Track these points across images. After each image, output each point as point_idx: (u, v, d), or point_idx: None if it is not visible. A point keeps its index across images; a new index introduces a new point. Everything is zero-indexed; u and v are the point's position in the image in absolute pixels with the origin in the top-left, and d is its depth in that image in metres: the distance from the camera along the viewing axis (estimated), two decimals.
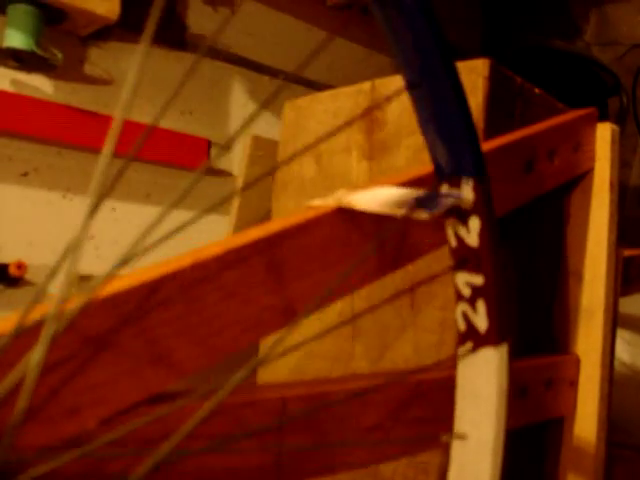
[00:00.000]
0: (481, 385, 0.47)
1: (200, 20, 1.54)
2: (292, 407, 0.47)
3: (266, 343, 0.82)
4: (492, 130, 0.70)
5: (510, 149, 0.65)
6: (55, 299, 0.32)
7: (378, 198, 0.46)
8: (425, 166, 0.55)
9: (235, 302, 0.42)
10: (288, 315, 0.45)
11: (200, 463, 0.43)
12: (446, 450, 0.68)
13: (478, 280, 0.45)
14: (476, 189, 0.44)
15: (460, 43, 1.95)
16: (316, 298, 0.46)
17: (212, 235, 1.52)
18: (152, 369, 0.39)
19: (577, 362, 0.80)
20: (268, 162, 1.51)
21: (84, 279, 1.30)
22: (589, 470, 0.79)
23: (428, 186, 0.52)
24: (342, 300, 0.52)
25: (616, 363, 0.95)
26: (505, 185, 0.64)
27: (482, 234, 0.45)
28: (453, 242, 0.47)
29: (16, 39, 1.12)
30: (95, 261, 1.34)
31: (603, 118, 0.83)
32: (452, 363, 0.60)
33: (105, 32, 1.34)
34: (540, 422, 0.77)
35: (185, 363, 0.40)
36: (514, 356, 0.73)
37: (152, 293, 0.39)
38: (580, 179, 0.80)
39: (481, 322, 0.46)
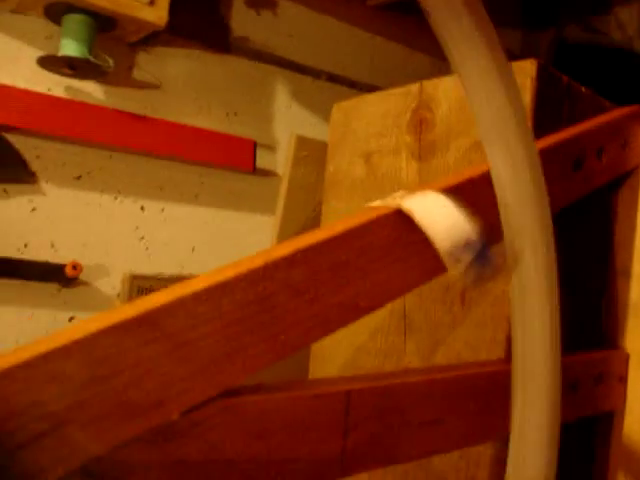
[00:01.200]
0: None
1: (243, 23, 1.57)
2: (356, 400, 0.49)
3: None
4: (540, 130, 0.71)
5: (559, 148, 0.66)
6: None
7: (436, 220, 0.49)
8: (477, 167, 0.57)
9: (303, 300, 0.45)
10: (352, 312, 0.47)
11: (270, 452, 0.45)
12: (498, 443, 0.69)
13: None
14: None
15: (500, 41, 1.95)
16: (379, 296, 0.48)
17: (259, 235, 1.55)
18: (228, 364, 0.42)
19: (626, 357, 0.80)
20: (313, 162, 1.53)
21: (135, 278, 1.34)
22: (638, 464, 0.80)
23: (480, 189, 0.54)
24: None
25: None
26: (555, 184, 0.66)
27: None
28: None
29: (71, 48, 1.16)
30: (146, 261, 1.38)
31: None
32: (506, 358, 0.62)
33: (153, 38, 1.38)
34: (590, 417, 0.78)
35: (257, 359, 0.43)
36: (564, 351, 0.75)
37: (226, 293, 0.41)
38: (628, 176, 0.81)
39: None
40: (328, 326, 0.46)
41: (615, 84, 1.86)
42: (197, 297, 0.40)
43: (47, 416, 0.35)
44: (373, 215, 0.49)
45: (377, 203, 0.51)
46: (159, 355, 0.39)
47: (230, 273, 0.42)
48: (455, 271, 0.51)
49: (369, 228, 0.48)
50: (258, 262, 0.43)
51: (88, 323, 0.37)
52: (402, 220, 0.50)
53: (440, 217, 0.50)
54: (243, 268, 0.42)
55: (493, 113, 0.47)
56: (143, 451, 0.39)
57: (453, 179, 0.56)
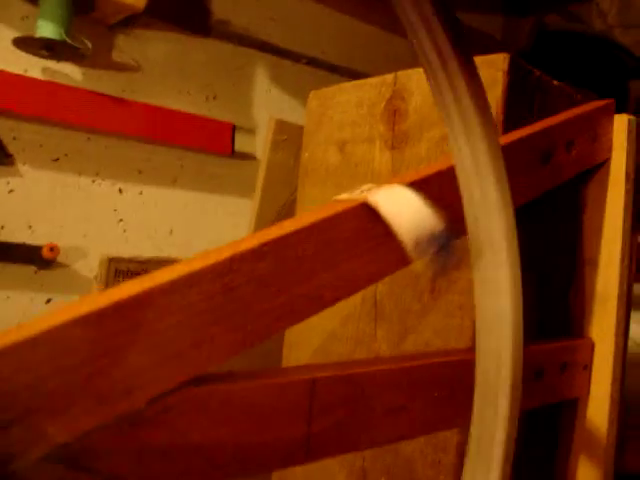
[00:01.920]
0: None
1: (224, 6, 1.56)
2: (321, 387, 0.50)
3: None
4: (511, 124, 0.72)
5: (527, 141, 0.68)
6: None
7: (401, 213, 0.50)
8: (445, 161, 0.58)
9: (269, 292, 0.46)
10: (317, 304, 0.48)
11: (236, 438, 0.47)
12: (464, 429, 0.71)
13: None
14: None
15: (481, 28, 1.96)
16: (344, 287, 0.49)
17: (237, 218, 1.56)
18: (195, 353, 0.43)
19: (591, 346, 0.82)
20: (291, 146, 1.54)
21: (113, 261, 1.34)
22: (600, 450, 0.82)
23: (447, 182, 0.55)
24: None
25: (632, 345, 0.98)
26: (522, 177, 0.67)
27: None
28: None
29: (48, 29, 1.16)
30: (123, 243, 1.39)
31: (624, 100, 0.85)
32: (472, 346, 0.63)
33: (132, 20, 1.38)
34: (554, 403, 0.80)
35: (225, 348, 0.44)
36: (530, 340, 0.77)
37: (194, 285, 0.42)
38: (597, 169, 0.82)
39: None
40: (293, 317, 0.47)
41: (594, 72, 1.88)
42: (164, 289, 0.41)
43: (15, 405, 0.36)
44: (339, 208, 0.50)
45: (344, 196, 0.53)
46: (127, 345, 0.40)
47: (197, 265, 0.43)
48: (419, 261, 0.53)
49: (335, 221, 0.49)
50: (225, 254, 0.44)
51: (57, 314, 0.38)
52: (368, 213, 0.51)
53: (405, 210, 0.51)
54: (210, 260, 0.43)
55: (455, 107, 0.48)
56: (110, 438, 0.40)
57: (421, 172, 0.57)
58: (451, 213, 0.53)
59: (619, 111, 0.83)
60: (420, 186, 0.54)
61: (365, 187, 0.54)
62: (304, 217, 0.49)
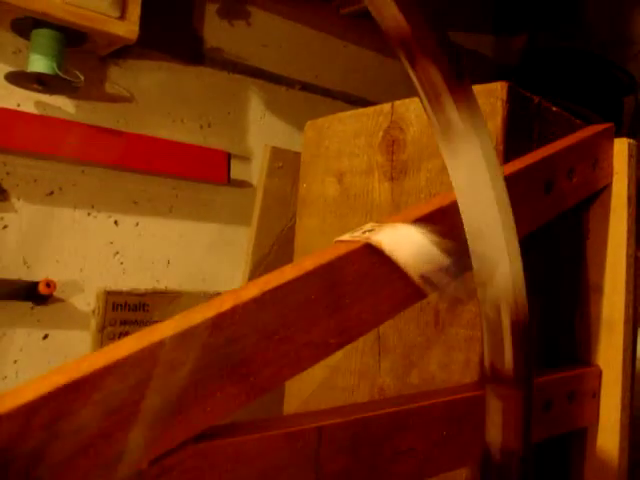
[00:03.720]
0: None
1: (216, 34, 1.56)
2: (328, 435, 0.49)
3: None
4: (512, 152, 0.71)
5: (530, 171, 0.67)
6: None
7: (406, 250, 0.49)
8: (447, 196, 0.57)
9: (272, 341, 0.45)
10: (323, 350, 0.47)
11: None
12: (473, 465, 0.70)
13: None
14: None
15: (472, 47, 1.96)
16: (349, 331, 0.48)
17: (235, 247, 1.55)
18: (198, 410, 0.41)
19: (599, 374, 0.81)
20: (287, 173, 1.53)
21: (110, 294, 1.33)
22: (613, 478, 0.81)
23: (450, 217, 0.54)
24: None
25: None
26: (526, 206, 0.66)
27: None
28: None
29: (40, 64, 1.15)
30: (121, 276, 1.37)
31: (619, 117, 0.84)
32: (479, 382, 0.62)
33: (124, 51, 1.37)
34: (564, 434, 0.78)
35: (228, 402, 0.43)
36: (537, 369, 0.75)
37: (195, 338, 0.41)
38: (598, 194, 0.81)
39: None
40: (298, 365, 0.46)
41: (589, 89, 1.88)
42: (164, 344, 0.40)
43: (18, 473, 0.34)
44: (342, 250, 0.49)
45: (346, 237, 0.51)
46: (126, 405, 0.38)
47: (198, 318, 0.42)
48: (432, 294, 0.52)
49: (338, 264, 0.48)
50: (226, 305, 0.43)
51: (48, 377, 0.36)
52: (371, 254, 0.50)
53: (409, 248, 0.50)
54: (212, 312, 0.42)
55: (454, 139, 0.47)
56: None
57: (423, 208, 0.56)
58: (457, 246, 0.52)
59: (615, 127, 0.83)
60: (423, 222, 0.53)
61: (367, 226, 0.53)
62: (306, 261, 0.47)
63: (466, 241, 0.52)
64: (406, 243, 0.51)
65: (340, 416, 0.51)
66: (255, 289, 0.44)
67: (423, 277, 0.51)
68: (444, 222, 0.55)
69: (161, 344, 0.40)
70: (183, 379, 0.40)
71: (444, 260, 0.51)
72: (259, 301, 0.44)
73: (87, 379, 0.37)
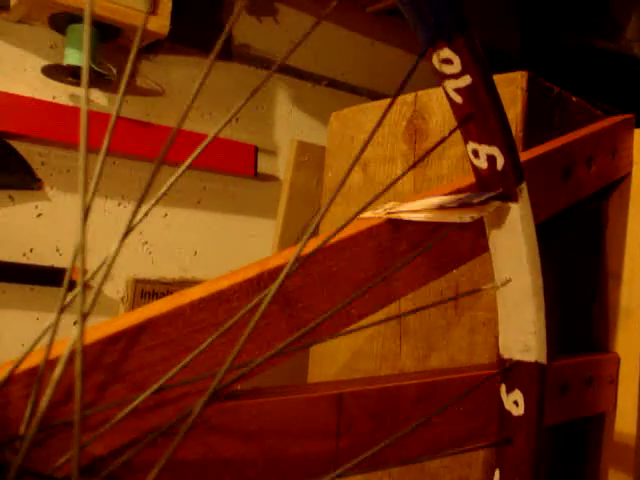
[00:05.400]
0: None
1: (245, 30, 1.59)
2: (348, 402, 0.51)
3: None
4: (531, 140, 0.73)
5: (548, 158, 0.69)
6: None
7: (423, 207, 0.51)
8: (467, 177, 0.59)
9: (296, 309, 0.47)
10: (344, 320, 0.49)
11: (265, 453, 0.47)
12: (487, 443, 0.71)
13: None
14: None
15: (499, 46, 1.97)
16: (370, 303, 0.50)
17: (261, 239, 1.57)
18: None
19: (617, 360, 0.82)
20: (313, 167, 1.56)
21: (139, 282, 1.36)
22: (629, 463, 0.82)
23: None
24: None
25: None
26: (544, 193, 0.68)
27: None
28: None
29: (75, 57, 1.18)
30: (149, 265, 1.40)
31: None
32: (496, 362, 0.64)
33: (155, 46, 1.40)
34: (581, 418, 0.80)
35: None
36: (555, 355, 0.77)
37: (222, 302, 0.44)
38: (618, 183, 0.83)
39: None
40: (321, 333, 0.48)
41: (613, 87, 1.88)
42: (194, 306, 0.42)
43: (55, 418, 0.37)
44: (363, 226, 0.51)
45: (368, 214, 0.54)
46: (159, 361, 0.41)
47: (226, 283, 0.44)
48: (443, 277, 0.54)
49: (360, 238, 0.50)
50: (253, 272, 0.45)
51: (91, 332, 0.39)
52: (391, 229, 0.52)
53: (425, 204, 0.52)
54: (239, 278, 0.45)
55: None
56: (143, 451, 0.41)
57: (443, 188, 0.58)
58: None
59: (635, 118, 0.84)
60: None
61: (388, 205, 0.55)
62: (329, 235, 0.50)
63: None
64: (423, 205, 0.53)
65: (361, 385, 0.54)
66: (281, 259, 0.47)
67: (449, 204, 0.52)
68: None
69: (191, 305, 0.42)
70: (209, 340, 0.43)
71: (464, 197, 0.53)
72: (281, 269, 0.46)
73: (121, 334, 0.39)
